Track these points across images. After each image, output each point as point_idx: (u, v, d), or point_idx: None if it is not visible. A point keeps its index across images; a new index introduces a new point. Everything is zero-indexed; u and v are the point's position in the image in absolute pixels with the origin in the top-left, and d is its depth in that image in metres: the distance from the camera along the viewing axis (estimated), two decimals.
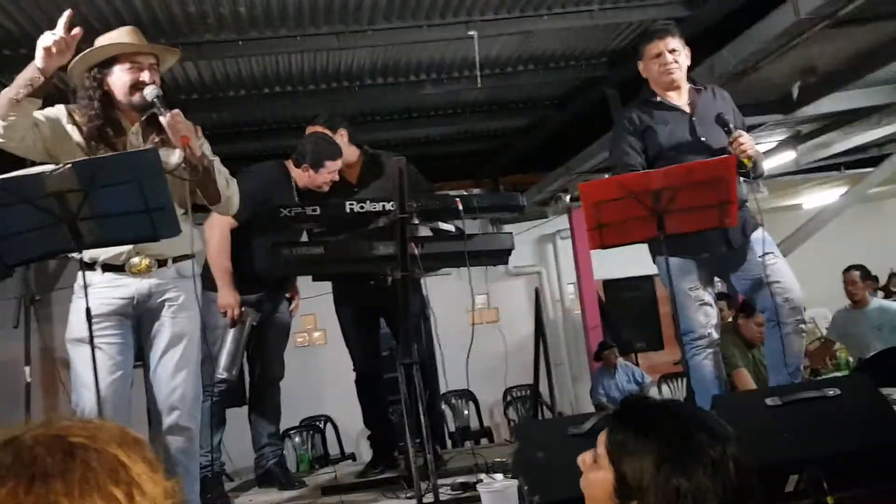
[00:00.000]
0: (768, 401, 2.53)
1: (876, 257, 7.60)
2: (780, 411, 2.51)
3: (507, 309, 8.56)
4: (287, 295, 4.10)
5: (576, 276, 8.48)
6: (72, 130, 2.69)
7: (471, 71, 5.57)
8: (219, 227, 3.66)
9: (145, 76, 2.68)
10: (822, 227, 7.54)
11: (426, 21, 4.58)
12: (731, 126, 3.10)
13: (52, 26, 3.91)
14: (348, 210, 3.36)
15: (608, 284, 8.63)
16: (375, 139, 5.96)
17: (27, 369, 3.32)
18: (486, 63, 5.30)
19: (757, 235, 3.22)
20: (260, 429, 3.97)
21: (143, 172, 2.43)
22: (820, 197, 9.58)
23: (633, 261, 5.06)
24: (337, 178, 3.87)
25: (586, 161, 6.57)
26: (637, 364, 7.92)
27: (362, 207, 3.38)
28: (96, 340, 2.53)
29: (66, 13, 2.46)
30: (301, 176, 3.87)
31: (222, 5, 4.07)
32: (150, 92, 2.65)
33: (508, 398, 8.30)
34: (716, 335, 3.27)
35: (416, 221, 3.29)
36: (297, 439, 7.76)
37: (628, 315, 8.54)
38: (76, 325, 2.66)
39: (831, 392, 2.58)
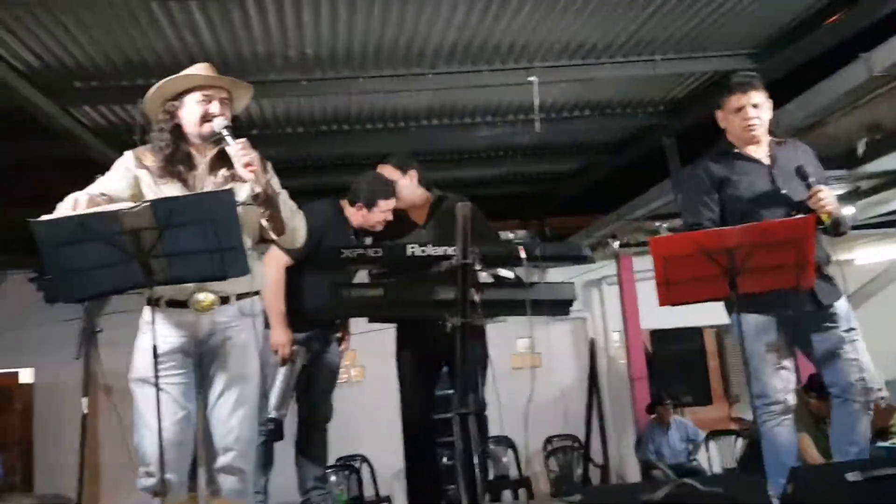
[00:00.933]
0: (849, 476, 2.42)
1: None
2: (861, 487, 2.39)
3: (550, 354, 8.44)
4: (338, 335, 4.07)
5: (622, 324, 8.34)
6: (141, 174, 2.73)
7: (526, 115, 5.58)
8: (275, 266, 3.66)
9: (214, 108, 2.73)
10: (886, 286, 7.33)
11: (487, 66, 4.60)
12: (812, 180, 3.02)
13: (123, 58, 4.01)
14: (409, 253, 3.33)
15: (655, 334, 8.46)
16: (433, 178, 5.96)
17: (85, 400, 3.31)
18: (542, 108, 5.26)
19: (841, 306, 3.10)
20: (307, 472, 3.92)
21: (218, 213, 2.44)
22: (873, 253, 9.34)
23: (682, 311, 4.95)
24: (391, 217, 3.86)
25: (638, 208, 6.50)
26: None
27: (423, 251, 3.34)
28: (160, 381, 2.52)
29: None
30: (355, 215, 3.87)
31: (290, 47, 4.12)
32: (218, 123, 2.69)
33: (549, 448, 8.13)
34: (792, 401, 3.12)
35: (478, 267, 3.24)
36: (332, 479, 7.67)
37: (675, 367, 8.34)
38: (140, 364, 2.67)
39: None
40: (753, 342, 2.97)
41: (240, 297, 2.77)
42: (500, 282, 3.42)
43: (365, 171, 6.77)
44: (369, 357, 8.47)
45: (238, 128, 5.28)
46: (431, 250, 3.32)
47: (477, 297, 3.22)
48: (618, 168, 6.85)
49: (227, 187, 2.62)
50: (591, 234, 7.59)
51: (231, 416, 2.74)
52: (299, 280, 3.68)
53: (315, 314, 3.71)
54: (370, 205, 3.83)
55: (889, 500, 2.34)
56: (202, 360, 2.76)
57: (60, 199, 2.57)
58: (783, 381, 3.11)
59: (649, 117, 5.73)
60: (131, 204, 2.47)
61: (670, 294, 2.90)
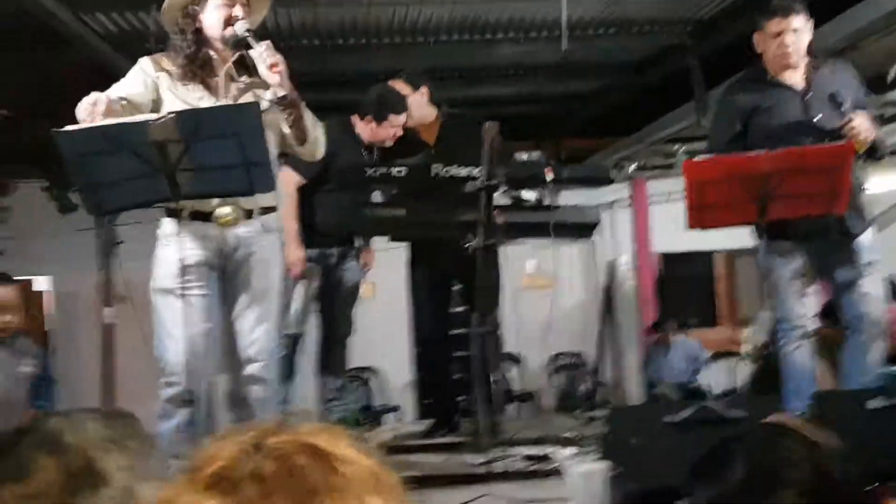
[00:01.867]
0: (871, 403, 2.44)
1: None
2: (882, 414, 2.42)
3: (558, 275, 8.46)
4: (354, 251, 4.05)
5: (633, 247, 8.33)
6: (159, 77, 2.68)
7: (550, 32, 5.43)
8: (288, 185, 3.62)
9: (238, 11, 2.68)
10: None
11: None
12: (847, 107, 2.94)
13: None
14: (433, 174, 3.31)
15: (665, 258, 8.47)
16: (446, 96, 5.85)
17: (107, 311, 3.35)
18: (567, 24, 5.13)
19: (867, 237, 3.08)
20: (327, 383, 3.98)
21: (244, 126, 2.40)
22: (886, 181, 9.23)
23: (693, 234, 4.94)
24: (401, 132, 3.78)
25: (659, 131, 6.41)
26: None
27: (447, 172, 3.32)
28: (188, 291, 2.56)
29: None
30: (364, 129, 3.79)
31: None
32: (240, 26, 2.64)
33: (555, 364, 8.26)
34: (811, 326, 3.15)
35: (503, 189, 3.21)
36: None
37: (684, 290, 8.38)
38: (163, 275, 2.67)
39: None
40: (780, 267, 2.96)
41: (263, 211, 2.76)
42: (521, 204, 3.40)
43: None
44: (379, 273, 8.50)
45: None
46: (455, 171, 3.29)
47: (500, 220, 3.21)
48: (638, 89, 6.71)
49: (251, 98, 2.57)
50: (608, 157, 7.49)
51: (255, 329, 2.77)
52: (312, 197, 3.65)
53: (333, 231, 3.70)
54: (380, 118, 3.75)
55: None
56: (225, 273, 2.77)
57: (72, 108, 2.51)
58: (806, 307, 3.13)
59: (676, 36, 5.55)
60: (156, 115, 2.43)
61: (701, 218, 2.88)
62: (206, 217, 2.68)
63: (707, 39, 5.45)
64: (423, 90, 3.86)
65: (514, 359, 8.01)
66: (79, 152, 2.41)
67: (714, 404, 2.43)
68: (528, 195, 3.45)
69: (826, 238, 3.06)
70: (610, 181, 3.47)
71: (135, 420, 1.01)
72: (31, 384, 3.06)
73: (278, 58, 2.57)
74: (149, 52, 2.84)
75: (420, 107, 3.88)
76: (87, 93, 2.54)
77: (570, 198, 5.08)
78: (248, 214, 2.72)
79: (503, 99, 7.05)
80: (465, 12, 5.05)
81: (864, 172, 3.05)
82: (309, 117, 2.76)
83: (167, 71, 2.68)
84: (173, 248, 2.59)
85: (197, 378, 2.61)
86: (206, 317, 2.68)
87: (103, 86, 3.49)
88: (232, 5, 2.67)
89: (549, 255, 8.14)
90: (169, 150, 2.38)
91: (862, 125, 2.92)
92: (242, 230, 2.72)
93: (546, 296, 6.16)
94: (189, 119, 2.37)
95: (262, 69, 2.58)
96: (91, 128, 2.43)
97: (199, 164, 2.42)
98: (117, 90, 2.61)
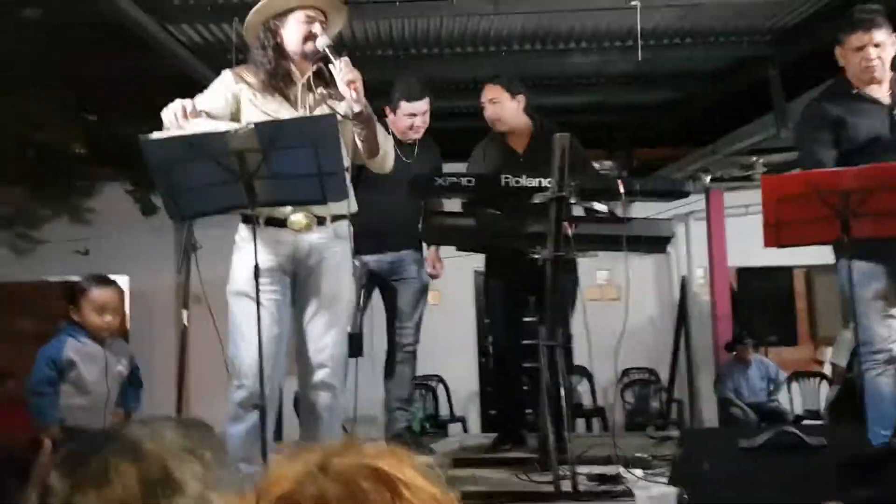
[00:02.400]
0: None
1: None
2: None
3: (630, 288, 8.33)
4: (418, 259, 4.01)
5: (708, 261, 8.14)
6: (240, 90, 2.76)
7: (623, 42, 5.36)
8: None
9: (317, 28, 2.76)
10: None
11: None
12: None
13: None
14: (503, 183, 3.30)
15: (742, 272, 8.23)
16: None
17: (185, 313, 3.44)
18: (641, 34, 5.06)
19: None
20: (391, 393, 4.00)
21: (319, 137, 2.45)
22: None
23: (769, 249, 4.78)
24: (420, 123, 3.76)
25: (736, 142, 6.24)
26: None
27: (517, 182, 3.31)
28: (261, 295, 2.59)
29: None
30: (391, 123, 3.78)
31: None
32: (321, 41, 2.72)
33: (625, 380, 8.12)
34: None
35: (573, 201, 3.18)
36: None
37: (762, 306, 8.12)
38: (238, 278, 2.74)
39: None
40: (861, 288, 2.84)
41: (335, 218, 2.80)
42: (593, 216, 3.36)
43: (454, 95, 6.71)
44: (445, 281, 8.52)
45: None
46: (526, 181, 3.28)
47: (570, 231, 3.18)
48: (715, 99, 6.56)
49: (323, 107, 2.63)
50: (683, 168, 7.34)
51: (324, 335, 2.82)
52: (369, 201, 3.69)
53: (401, 237, 3.71)
54: (394, 108, 3.75)
55: None
56: (297, 278, 2.82)
57: (156, 114, 2.61)
58: (889, 329, 3.00)
59: (755, 47, 5.41)
60: (237, 126, 2.51)
61: (778, 235, 2.81)
62: (280, 223, 2.74)
63: (787, 49, 5.29)
64: (521, 98, 3.85)
65: (584, 372, 7.92)
66: (163, 159, 2.50)
67: (793, 429, 2.34)
68: (601, 207, 3.41)
69: None
70: (686, 194, 3.40)
71: (210, 430, 1.04)
72: (120, 385, 3.18)
73: (356, 74, 2.64)
74: (230, 62, 2.94)
75: (515, 115, 3.86)
76: (171, 99, 2.64)
77: (644, 208, 5.02)
78: (321, 221, 2.77)
79: (575, 108, 6.99)
80: (537, 22, 5.03)
81: None
82: (381, 132, 2.81)
83: (248, 83, 2.78)
84: (248, 252, 2.65)
85: (267, 381, 2.65)
86: (277, 321, 2.74)
87: (186, 93, 3.60)
88: (312, 22, 2.76)
89: (621, 267, 8.01)
90: (248, 158, 2.45)
91: None
92: (315, 236, 2.77)
93: (616, 308, 6.07)
94: (267, 130, 2.44)
95: (340, 84, 2.65)
96: (176, 136, 2.52)
97: (275, 173, 2.49)
98: (200, 103, 2.70)
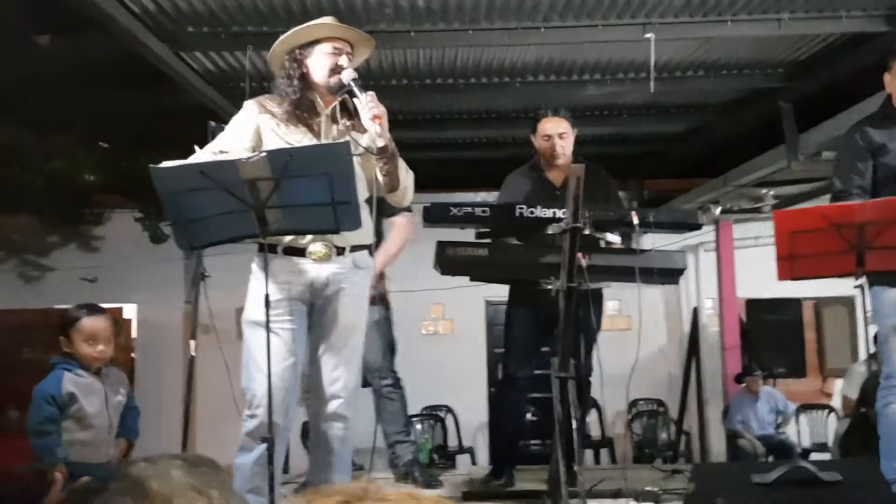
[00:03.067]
0: None
1: None
2: None
3: (639, 318, 8.28)
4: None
5: (717, 292, 8.09)
6: (263, 120, 2.74)
7: (637, 74, 5.38)
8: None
9: (343, 60, 2.74)
10: None
11: (602, 21, 4.42)
12: None
13: (236, 4, 4.04)
14: (518, 214, 3.29)
15: (751, 304, 8.18)
16: (528, 136, 5.86)
17: (193, 343, 3.43)
18: (655, 66, 5.08)
19: None
20: (384, 428, 3.93)
21: (333, 166, 2.43)
22: None
23: (780, 281, 4.75)
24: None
25: (747, 174, 6.23)
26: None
27: (532, 213, 3.29)
28: (273, 325, 2.54)
29: None
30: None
31: None
32: (347, 74, 2.70)
33: (634, 411, 8.03)
34: None
35: (587, 232, 3.15)
36: (418, 427, 7.81)
37: (771, 338, 8.06)
38: (254, 307, 2.68)
39: None
40: (885, 320, 2.79)
41: (353, 248, 2.78)
42: (608, 247, 3.34)
43: (469, 125, 6.71)
44: (458, 310, 8.54)
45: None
46: (540, 212, 3.26)
47: (584, 262, 3.15)
48: (726, 131, 6.56)
49: (345, 139, 2.61)
50: (693, 199, 7.33)
51: (339, 366, 2.77)
52: None
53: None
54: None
55: None
56: (314, 308, 2.79)
57: (169, 143, 2.60)
58: None
59: (767, 79, 5.43)
60: (248, 154, 2.50)
61: (793, 268, 2.77)
62: (299, 252, 2.71)
63: (800, 82, 5.30)
64: (575, 131, 3.82)
65: (593, 403, 7.84)
66: (173, 188, 2.48)
67: (807, 464, 2.29)
68: (614, 238, 3.38)
69: None
70: (699, 226, 3.38)
71: (217, 467, 1.01)
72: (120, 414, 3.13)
73: (382, 109, 2.61)
74: (243, 90, 2.93)
75: (570, 146, 3.79)
76: (185, 128, 2.64)
77: (654, 239, 5.00)
78: (341, 251, 2.74)
79: (588, 139, 7.01)
80: (552, 54, 5.06)
81: None
82: (402, 166, 2.79)
83: (271, 112, 2.75)
84: (265, 281, 2.58)
85: (280, 412, 2.61)
86: (292, 350, 2.70)
87: (200, 121, 3.64)
88: (339, 54, 2.73)
89: (630, 297, 7.98)
90: (260, 187, 2.43)
91: None
92: (334, 266, 2.74)
93: (627, 339, 6.02)
94: (280, 158, 2.41)
95: (365, 118, 2.62)
96: (188, 164, 2.51)
97: (287, 202, 2.46)
98: (219, 143, 2.71)
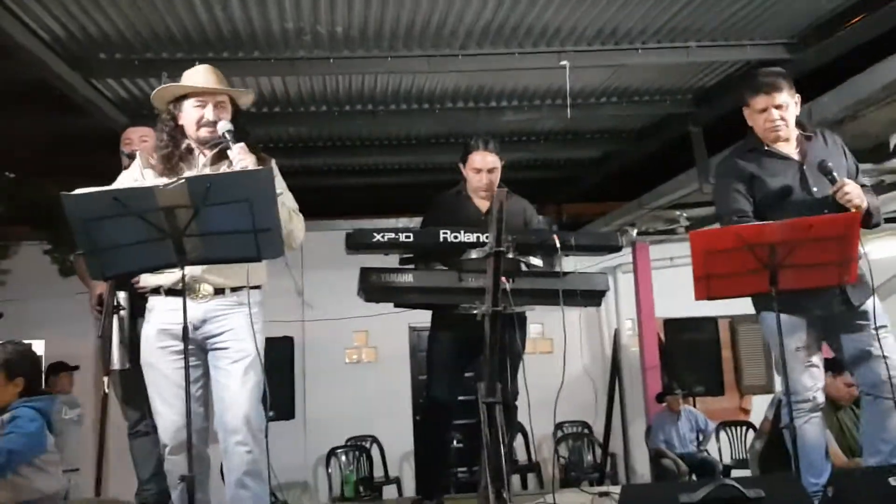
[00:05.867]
0: (892, 480, 2.37)
1: None
2: None
3: (561, 340, 8.39)
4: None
5: (636, 312, 8.28)
6: (147, 174, 2.76)
7: (553, 100, 5.51)
8: None
9: (209, 114, 2.75)
10: None
11: (518, 49, 4.52)
12: (835, 174, 2.95)
13: (149, 31, 3.94)
14: (442, 239, 3.29)
15: (669, 323, 8.40)
16: (448, 161, 5.91)
17: (106, 380, 3.29)
18: (571, 93, 5.21)
19: (871, 305, 3.05)
20: None
21: (254, 192, 2.38)
22: (885, 247, 9.21)
23: (696, 301, 4.89)
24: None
25: (661, 196, 6.43)
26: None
27: (456, 237, 3.29)
28: (164, 364, 2.64)
29: None
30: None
31: (320, 23, 4.05)
32: (221, 126, 2.71)
33: (559, 434, 8.10)
34: (821, 399, 3.08)
35: (511, 255, 3.18)
36: (343, 458, 7.67)
37: (688, 357, 8.28)
38: (146, 349, 2.74)
39: None
40: (784, 340, 2.92)
41: (234, 289, 2.75)
42: (531, 270, 3.37)
43: (388, 151, 6.71)
44: (383, 339, 8.47)
45: (261, 103, 5.28)
46: (464, 237, 3.27)
47: (508, 286, 3.17)
48: (640, 156, 6.77)
49: (267, 167, 2.57)
50: (610, 222, 7.52)
51: (237, 397, 2.72)
52: None
53: None
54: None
55: None
56: (203, 344, 2.76)
57: (78, 171, 2.54)
58: (813, 378, 3.07)
59: (677, 105, 5.65)
60: (166, 181, 2.43)
61: (709, 288, 2.84)
62: (178, 294, 2.66)
63: (708, 107, 5.53)
64: (503, 162, 3.81)
65: (520, 428, 7.85)
66: (86, 216, 2.38)
67: (732, 482, 2.34)
68: (537, 261, 3.42)
69: (827, 311, 3.03)
70: (618, 248, 3.45)
71: None
72: None
73: (251, 160, 2.63)
74: (157, 117, 2.87)
75: (498, 179, 3.79)
76: (95, 156, 2.56)
77: (574, 262, 5.09)
78: (220, 291, 2.74)
79: (507, 165, 7.10)
80: (470, 81, 5.13)
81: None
82: (286, 210, 2.77)
83: (153, 167, 2.76)
84: (154, 323, 2.69)
85: (191, 449, 2.54)
86: (184, 387, 2.63)
87: (110, 148, 3.52)
88: (204, 106, 2.75)
89: (552, 320, 8.09)
90: (177, 215, 2.36)
91: (853, 192, 2.92)
92: (213, 304, 2.73)
93: (549, 362, 6.09)
94: (199, 184, 2.35)
95: (237, 168, 2.63)
96: (100, 191, 2.42)
97: (206, 230, 2.40)
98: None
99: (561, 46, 4.51)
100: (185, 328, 2.46)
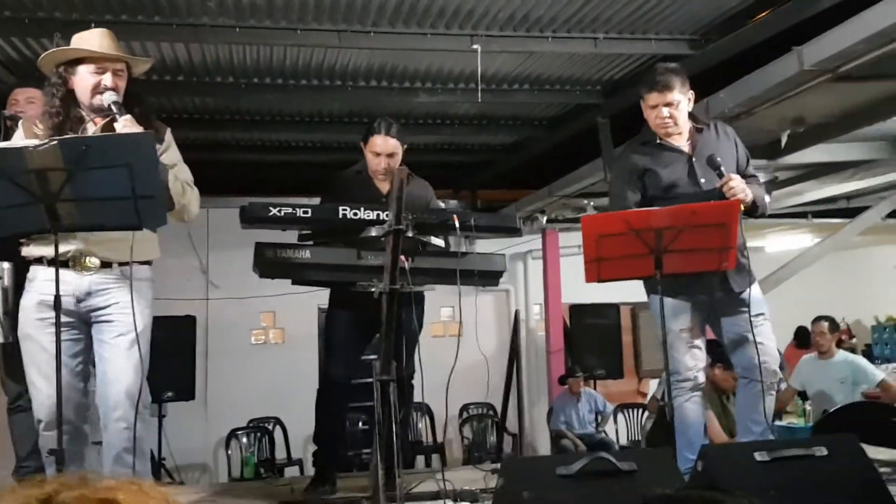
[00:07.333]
0: (757, 455, 2.48)
1: (840, 308, 7.72)
2: (769, 467, 2.46)
3: (470, 323, 8.46)
4: None
5: (543, 297, 8.43)
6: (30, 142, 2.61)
7: (466, 84, 5.52)
8: None
9: (107, 80, 2.65)
10: (795, 273, 7.59)
11: (431, 29, 4.50)
12: (723, 169, 3.08)
13: None
14: (341, 215, 3.25)
15: (574, 309, 8.60)
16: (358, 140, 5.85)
17: None
18: (483, 78, 5.23)
19: (751, 292, 3.20)
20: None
21: (135, 157, 2.30)
22: (783, 241, 9.65)
23: (601, 287, 5.00)
24: None
25: (569, 185, 6.55)
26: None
27: (356, 214, 3.27)
28: (42, 336, 2.55)
29: None
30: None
31: None
32: (107, 97, 2.63)
33: (465, 415, 8.20)
34: (701, 379, 3.26)
35: (410, 234, 3.17)
36: (244, 440, 7.54)
37: (591, 341, 8.52)
38: (24, 321, 2.65)
39: (819, 452, 2.54)
40: (669, 322, 3.06)
41: (122, 264, 2.68)
42: (430, 250, 3.38)
43: (299, 127, 6.58)
44: (289, 318, 8.35)
45: (164, 71, 5.08)
46: (364, 214, 3.24)
47: (407, 265, 3.17)
48: (553, 145, 6.87)
49: (149, 131, 2.49)
50: (521, 208, 7.61)
51: (119, 373, 2.66)
52: None
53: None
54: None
55: (794, 478, 2.42)
56: (87, 318, 2.68)
57: None
58: (695, 359, 3.24)
59: (587, 95, 5.75)
60: (36, 141, 2.32)
61: (598, 270, 2.93)
62: (63, 264, 2.56)
63: (616, 99, 5.64)
64: (405, 146, 3.74)
65: (424, 409, 7.92)
66: None
67: (607, 455, 2.41)
68: (438, 241, 3.43)
69: (709, 295, 3.17)
70: (518, 231, 3.48)
71: None
72: None
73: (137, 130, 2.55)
74: (48, 80, 2.74)
75: (398, 164, 3.72)
76: None
77: (486, 247, 5.13)
78: (107, 265, 2.67)
79: (419, 148, 7.11)
80: (383, 59, 5.08)
81: (745, 233, 3.14)
82: (180, 182, 2.72)
83: (37, 136, 2.60)
84: (33, 294, 2.60)
85: (67, 424, 2.46)
86: (64, 360, 2.54)
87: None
88: (103, 72, 2.64)
89: (464, 304, 8.11)
90: (50, 178, 2.26)
91: (737, 186, 3.06)
92: (98, 277, 2.65)
93: (459, 344, 6.13)
94: (74, 147, 2.25)
95: None
96: None
97: (82, 195, 2.30)
98: None
99: (473, 30, 4.51)
100: (58, 297, 2.37)
